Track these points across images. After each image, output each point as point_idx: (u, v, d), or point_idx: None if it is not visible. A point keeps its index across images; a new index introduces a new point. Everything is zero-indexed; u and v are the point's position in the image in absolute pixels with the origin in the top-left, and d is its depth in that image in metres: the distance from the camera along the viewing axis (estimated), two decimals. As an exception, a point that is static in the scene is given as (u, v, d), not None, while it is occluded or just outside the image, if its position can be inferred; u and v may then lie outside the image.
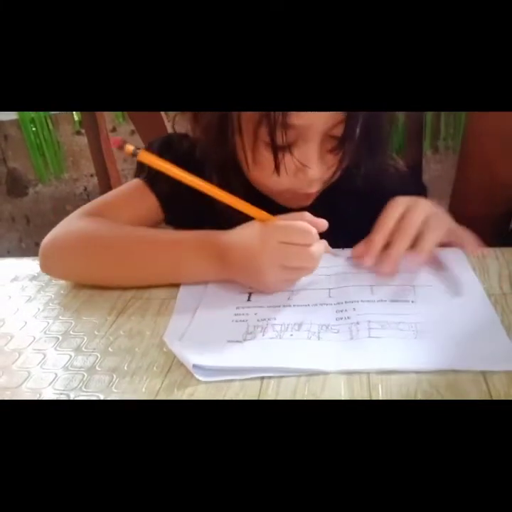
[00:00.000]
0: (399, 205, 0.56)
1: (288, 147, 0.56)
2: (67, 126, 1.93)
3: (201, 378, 0.45)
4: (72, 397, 0.45)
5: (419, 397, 0.41)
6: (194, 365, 0.45)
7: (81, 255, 0.61)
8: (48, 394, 0.46)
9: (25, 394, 0.46)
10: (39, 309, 0.60)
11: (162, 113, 0.88)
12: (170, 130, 0.90)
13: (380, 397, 0.41)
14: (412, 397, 0.41)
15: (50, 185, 2.03)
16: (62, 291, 0.63)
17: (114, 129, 1.89)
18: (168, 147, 0.69)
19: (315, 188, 0.61)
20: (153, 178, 0.67)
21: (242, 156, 0.60)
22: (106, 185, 1.02)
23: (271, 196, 0.65)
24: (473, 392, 0.41)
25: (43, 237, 0.62)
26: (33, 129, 1.91)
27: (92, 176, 1.97)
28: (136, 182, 0.69)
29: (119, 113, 1.86)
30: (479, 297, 0.52)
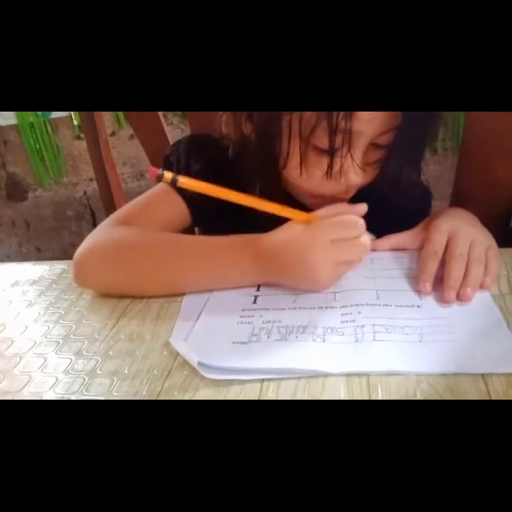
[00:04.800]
0: (442, 231, 0.56)
1: (335, 152, 0.56)
2: (67, 130, 1.93)
3: (206, 375, 0.45)
4: (72, 400, 0.45)
5: (419, 397, 0.41)
6: (199, 363, 0.45)
7: (122, 264, 0.59)
8: (49, 398, 0.46)
9: (27, 398, 0.46)
10: (39, 313, 0.60)
11: (161, 117, 0.88)
12: (169, 133, 0.90)
13: (380, 399, 0.41)
14: (411, 398, 0.41)
15: (49, 190, 2.03)
16: (62, 296, 0.63)
17: (113, 134, 1.90)
18: (196, 149, 0.69)
19: (351, 194, 0.61)
20: None
21: (295, 160, 0.59)
22: (105, 190, 1.02)
23: (301, 199, 0.65)
24: (472, 393, 0.41)
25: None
26: (33, 133, 1.91)
27: (91, 180, 1.97)
28: (162, 187, 0.68)
29: (120, 118, 1.87)
30: (485, 300, 0.52)
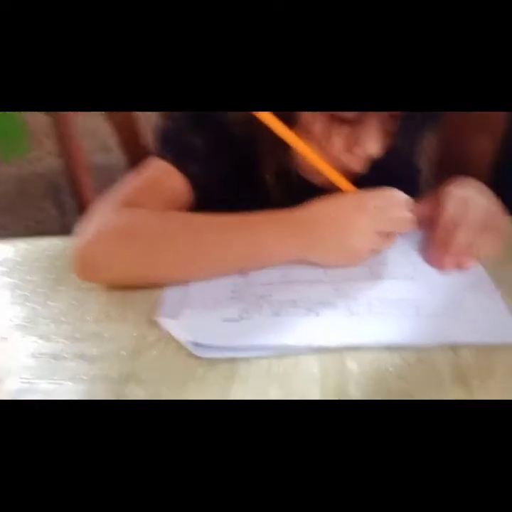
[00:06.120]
0: (456, 198, 0.56)
1: (353, 121, 0.55)
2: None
3: (199, 354, 0.44)
4: (40, 385, 0.44)
5: (390, 370, 0.42)
6: (191, 342, 0.45)
7: (140, 249, 0.53)
8: (14, 383, 0.44)
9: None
10: (3, 296, 0.58)
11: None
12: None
13: (355, 374, 0.42)
14: (382, 371, 0.42)
15: (12, 166, 1.98)
16: (27, 277, 0.61)
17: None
18: (197, 124, 0.64)
19: (363, 167, 0.60)
20: (181, 159, 0.62)
21: (316, 132, 0.57)
22: (70, 164, 0.99)
23: (312, 177, 0.64)
24: (442, 365, 0.42)
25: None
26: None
27: (55, 155, 1.92)
28: (159, 164, 0.62)
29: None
30: (479, 272, 0.52)
